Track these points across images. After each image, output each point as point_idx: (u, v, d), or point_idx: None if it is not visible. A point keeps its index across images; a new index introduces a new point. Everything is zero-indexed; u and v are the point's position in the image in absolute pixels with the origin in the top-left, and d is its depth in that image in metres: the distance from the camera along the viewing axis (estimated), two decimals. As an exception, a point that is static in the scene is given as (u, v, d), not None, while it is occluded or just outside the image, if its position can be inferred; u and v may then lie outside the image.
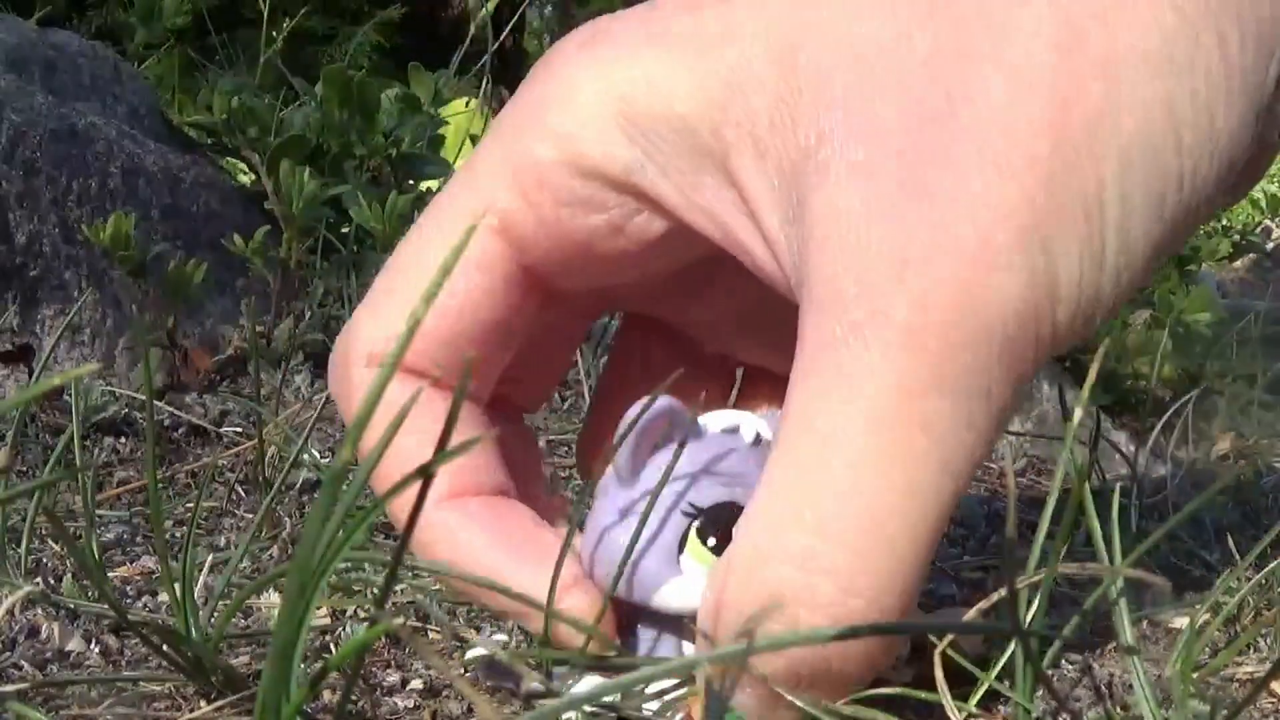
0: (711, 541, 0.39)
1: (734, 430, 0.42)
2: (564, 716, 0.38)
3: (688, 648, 0.41)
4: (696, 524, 0.40)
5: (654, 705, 0.39)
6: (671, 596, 0.39)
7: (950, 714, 0.39)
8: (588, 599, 0.40)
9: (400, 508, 0.41)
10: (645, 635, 0.42)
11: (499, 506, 0.41)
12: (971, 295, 0.33)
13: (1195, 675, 0.47)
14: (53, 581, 0.55)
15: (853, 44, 0.34)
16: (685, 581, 0.39)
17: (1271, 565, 0.51)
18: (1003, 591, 0.40)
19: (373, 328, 0.41)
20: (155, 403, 0.82)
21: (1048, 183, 0.33)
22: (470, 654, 0.44)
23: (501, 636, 0.42)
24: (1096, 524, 0.45)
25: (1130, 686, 0.46)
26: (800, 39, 0.35)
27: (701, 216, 0.37)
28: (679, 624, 0.41)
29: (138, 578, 0.56)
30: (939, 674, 0.41)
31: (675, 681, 0.39)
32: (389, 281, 0.41)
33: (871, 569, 0.34)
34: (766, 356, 0.48)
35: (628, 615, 0.41)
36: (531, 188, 0.38)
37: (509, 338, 0.41)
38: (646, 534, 0.39)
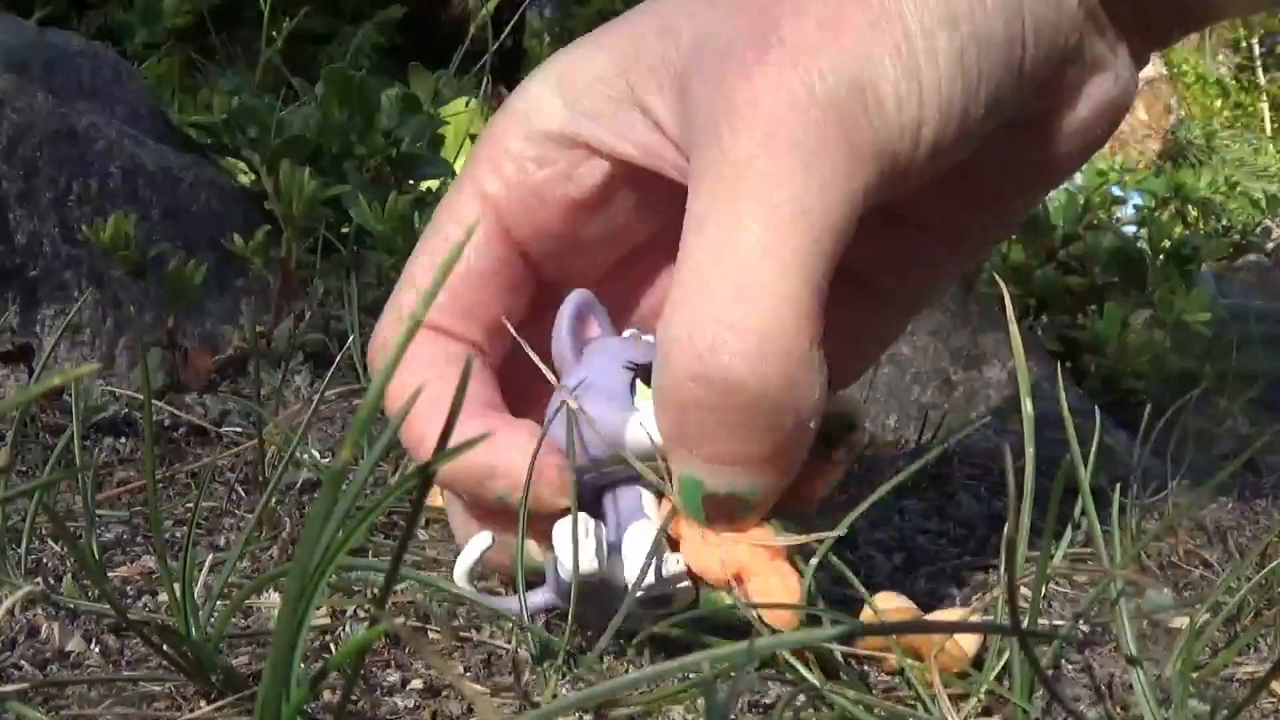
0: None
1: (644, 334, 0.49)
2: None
3: (649, 501, 0.47)
4: (637, 376, 0.46)
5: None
6: (637, 429, 0.45)
7: (948, 715, 0.39)
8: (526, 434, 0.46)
9: (417, 440, 0.48)
10: (609, 504, 0.47)
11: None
12: (800, 80, 0.42)
13: (1195, 675, 0.47)
14: (53, 581, 0.55)
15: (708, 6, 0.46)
16: (644, 414, 0.45)
17: (1271, 565, 0.51)
18: (998, 591, 0.40)
19: (397, 296, 0.50)
20: (155, 403, 0.83)
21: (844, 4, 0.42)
22: (459, 565, 0.47)
23: (487, 536, 0.46)
24: (1097, 524, 0.45)
25: (1130, 686, 0.46)
26: (675, 17, 0.46)
27: (626, 144, 0.47)
28: (638, 487, 0.47)
29: (138, 578, 0.56)
30: (936, 676, 0.41)
31: (651, 541, 0.44)
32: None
33: (752, 307, 0.41)
34: None
35: (592, 492, 0.47)
36: (500, 161, 0.49)
37: (498, 286, 0.50)
38: (599, 391, 0.46)
